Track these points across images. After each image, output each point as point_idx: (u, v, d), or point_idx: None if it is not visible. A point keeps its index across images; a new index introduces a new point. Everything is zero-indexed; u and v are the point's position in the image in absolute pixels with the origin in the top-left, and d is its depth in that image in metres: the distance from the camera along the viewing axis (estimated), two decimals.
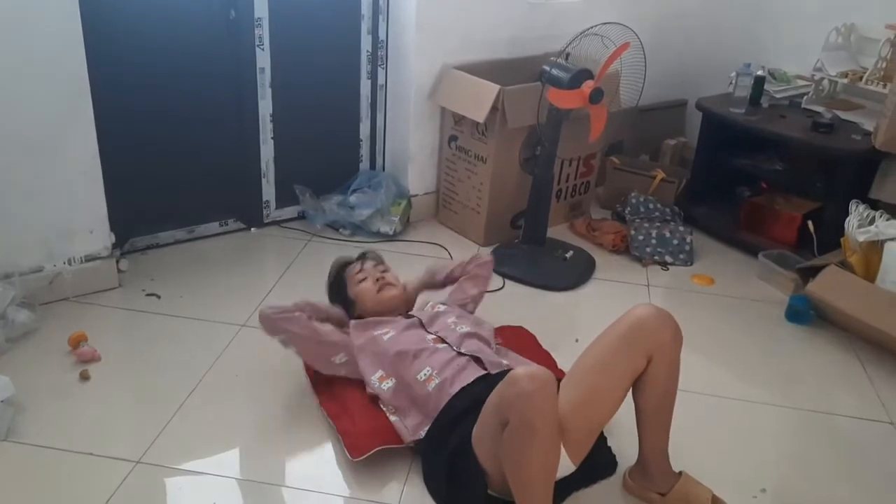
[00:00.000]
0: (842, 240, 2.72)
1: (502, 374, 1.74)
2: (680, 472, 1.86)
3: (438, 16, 3.01)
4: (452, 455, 1.78)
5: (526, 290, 2.83)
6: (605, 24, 2.58)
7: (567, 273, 2.93)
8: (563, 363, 2.19)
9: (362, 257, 2.37)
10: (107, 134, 2.50)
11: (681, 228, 3.17)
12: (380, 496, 1.86)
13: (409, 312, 2.25)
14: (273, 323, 2.06)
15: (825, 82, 3.30)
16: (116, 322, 2.51)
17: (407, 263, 2.85)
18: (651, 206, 3.29)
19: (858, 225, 2.65)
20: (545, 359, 2.30)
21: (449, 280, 2.40)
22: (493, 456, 1.68)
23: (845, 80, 3.20)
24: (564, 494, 1.84)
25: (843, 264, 2.66)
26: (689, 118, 3.93)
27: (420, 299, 2.37)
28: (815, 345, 2.61)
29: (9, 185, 2.35)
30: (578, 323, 2.70)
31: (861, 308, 2.53)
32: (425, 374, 1.95)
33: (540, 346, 2.40)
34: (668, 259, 3.09)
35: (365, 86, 3.24)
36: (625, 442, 1.93)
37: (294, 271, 2.87)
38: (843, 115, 3.11)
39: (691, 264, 3.10)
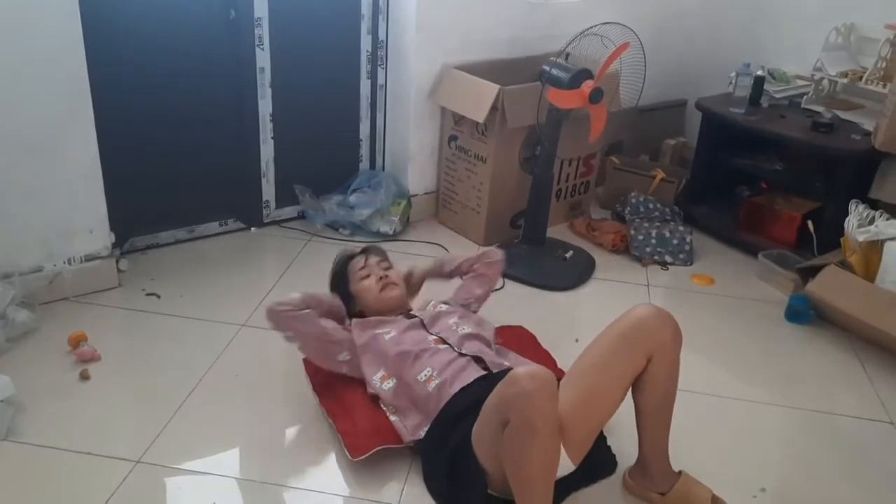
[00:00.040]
0: (841, 240, 2.72)
1: (502, 374, 1.74)
2: (680, 472, 1.86)
3: (438, 16, 3.02)
4: (452, 454, 1.78)
5: (526, 289, 2.83)
6: (604, 24, 2.58)
7: (567, 273, 2.94)
8: (563, 363, 2.19)
9: (366, 252, 2.35)
10: (107, 134, 2.50)
11: (681, 228, 3.17)
12: (380, 496, 1.86)
13: (411, 312, 2.24)
14: (282, 320, 2.05)
15: (825, 82, 3.30)
16: (116, 322, 2.51)
17: (407, 263, 2.84)
18: (651, 205, 3.29)
19: (858, 225, 2.65)
20: (545, 358, 2.30)
21: (455, 273, 2.38)
22: (493, 455, 1.68)
23: (845, 80, 3.20)
24: (564, 494, 1.84)
25: (843, 264, 2.67)
26: (689, 118, 3.94)
27: (422, 298, 2.36)
28: (815, 345, 2.62)
29: (9, 185, 2.35)
30: (578, 323, 2.70)
31: (861, 308, 2.53)
32: (426, 375, 1.95)
33: (540, 345, 2.40)
34: (668, 259, 3.09)
35: (365, 86, 3.24)
36: (625, 441, 1.93)
37: (294, 271, 2.87)
38: (843, 115, 3.11)
39: (691, 264, 3.10)
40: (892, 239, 2.53)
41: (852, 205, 2.73)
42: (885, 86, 3.01)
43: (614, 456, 1.97)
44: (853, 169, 2.93)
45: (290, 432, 2.07)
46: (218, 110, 2.92)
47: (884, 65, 3.08)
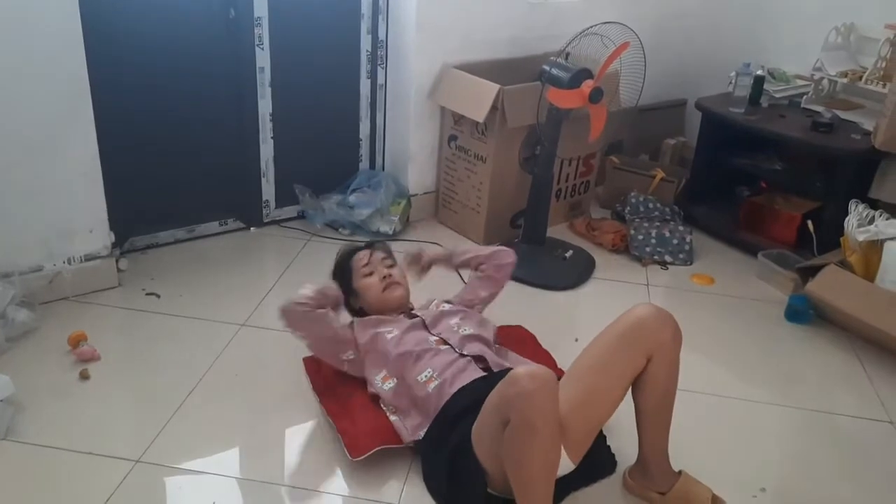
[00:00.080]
0: (841, 239, 2.72)
1: (502, 374, 1.74)
2: (680, 472, 1.86)
3: (438, 15, 3.02)
4: (452, 454, 1.78)
5: (525, 289, 2.83)
6: (604, 23, 2.58)
7: (567, 272, 2.94)
8: (563, 363, 2.19)
9: (371, 248, 2.33)
10: (107, 133, 2.50)
11: (680, 228, 3.17)
12: (379, 495, 1.86)
13: (413, 311, 2.24)
14: (297, 321, 2.04)
15: (825, 82, 3.30)
16: (116, 321, 2.51)
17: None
18: (651, 205, 3.29)
19: (858, 224, 2.65)
20: (545, 358, 2.30)
21: (463, 267, 2.37)
22: (493, 455, 1.68)
23: (845, 80, 3.20)
24: (564, 493, 1.84)
25: (843, 264, 2.67)
26: (689, 118, 3.94)
27: (426, 297, 2.33)
28: (815, 344, 2.62)
29: (9, 185, 2.35)
30: (578, 322, 2.70)
31: (860, 307, 2.53)
32: (426, 376, 1.95)
33: (539, 345, 2.40)
34: (668, 258, 3.09)
35: (365, 85, 3.24)
36: (624, 441, 1.93)
37: (294, 271, 2.87)
38: (843, 115, 3.11)
39: (691, 264, 3.10)
40: (891, 238, 2.53)
41: (852, 204, 2.73)
42: (884, 85, 3.01)
43: (614, 455, 1.97)
44: (853, 168, 2.93)
45: (290, 432, 2.07)
46: (218, 110, 2.92)
47: (883, 64, 3.08)
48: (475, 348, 2.03)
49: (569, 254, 3.03)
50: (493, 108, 2.86)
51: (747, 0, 3.68)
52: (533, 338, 2.44)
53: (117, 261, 2.69)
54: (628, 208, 3.29)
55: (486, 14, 3.12)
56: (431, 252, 2.37)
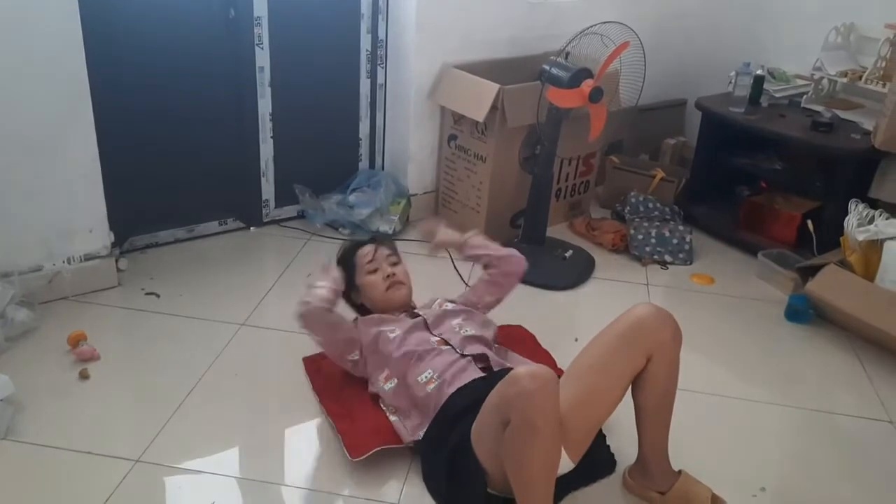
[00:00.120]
0: (841, 239, 2.72)
1: (501, 374, 1.74)
2: (679, 471, 1.86)
3: (438, 15, 3.02)
4: (452, 454, 1.78)
5: (525, 289, 2.82)
6: (604, 23, 2.58)
7: (566, 272, 2.94)
8: (563, 362, 2.18)
9: (375, 243, 2.28)
10: (106, 133, 2.50)
11: (680, 228, 3.17)
12: (379, 495, 1.86)
13: (415, 310, 2.22)
14: (317, 324, 2.03)
15: (825, 82, 3.30)
16: (116, 321, 2.51)
17: (406, 263, 2.84)
18: (651, 205, 3.29)
19: (858, 224, 2.65)
20: (544, 358, 2.30)
21: (473, 260, 2.32)
22: (493, 454, 1.68)
23: (845, 80, 3.20)
24: (563, 493, 1.84)
25: (843, 263, 2.66)
26: (689, 117, 3.93)
27: (437, 293, 2.31)
28: (815, 344, 2.62)
29: (9, 185, 2.35)
30: (578, 322, 2.70)
31: (860, 307, 2.53)
32: (426, 377, 1.94)
33: (539, 345, 2.40)
34: (668, 258, 3.09)
35: (364, 85, 3.24)
36: (624, 441, 1.93)
37: (293, 270, 2.87)
38: (843, 115, 3.11)
39: (691, 263, 3.10)
40: (891, 238, 2.53)
41: (852, 204, 2.73)
42: (884, 85, 3.01)
43: (613, 455, 1.97)
44: (853, 168, 2.93)
45: (290, 432, 2.07)
46: (217, 110, 2.92)
47: (883, 64, 3.08)
48: (476, 349, 2.02)
49: (568, 253, 3.03)
50: (493, 107, 2.86)
51: (747, 0, 3.67)
52: (532, 337, 2.44)
53: (117, 260, 2.69)
54: (628, 208, 3.29)
55: (486, 14, 3.12)
56: (446, 235, 2.30)
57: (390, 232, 3.13)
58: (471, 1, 3.07)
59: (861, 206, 2.71)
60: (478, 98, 2.91)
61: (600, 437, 1.90)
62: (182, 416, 2.07)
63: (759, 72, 3.24)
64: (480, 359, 2.00)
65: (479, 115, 2.90)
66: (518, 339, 2.38)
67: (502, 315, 2.46)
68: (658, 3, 3.62)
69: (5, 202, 2.37)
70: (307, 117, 3.13)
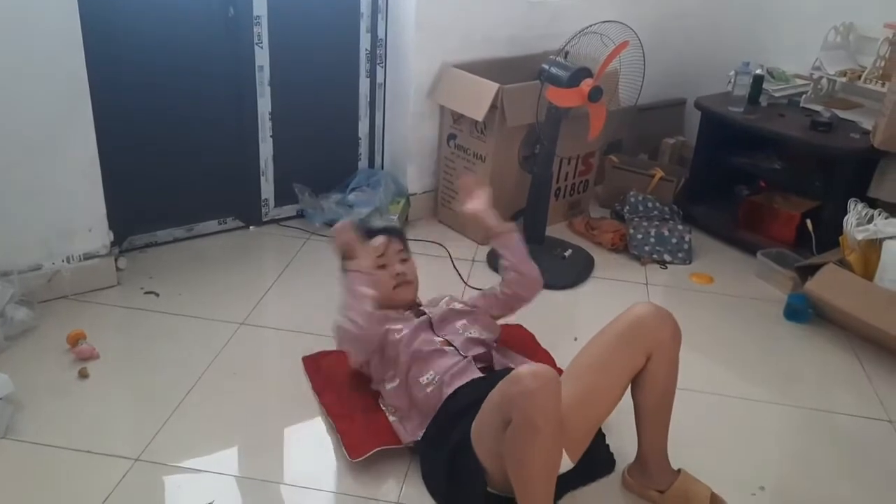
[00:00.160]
0: (840, 238, 2.72)
1: (502, 373, 1.74)
2: (679, 470, 1.86)
3: (438, 14, 3.01)
4: (452, 453, 1.78)
5: None
6: (604, 22, 2.58)
7: (566, 272, 2.94)
8: (562, 362, 2.18)
9: (387, 234, 2.20)
10: (106, 133, 2.50)
11: (679, 227, 3.17)
12: (379, 494, 1.86)
13: (421, 308, 2.19)
14: (374, 327, 1.99)
15: (824, 81, 3.30)
16: (115, 320, 2.51)
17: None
18: (650, 204, 3.29)
19: (857, 223, 2.65)
20: (544, 357, 2.30)
21: (492, 245, 2.19)
22: (493, 453, 1.68)
23: (844, 79, 3.21)
24: (562, 492, 1.84)
25: (842, 263, 2.67)
26: (688, 117, 3.93)
27: (436, 292, 2.29)
28: (814, 343, 2.62)
29: (8, 185, 2.35)
30: (577, 321, 2.70)
31: (859, 306, 2.53)
32: (428, 379, 1.94)
33: (538, 344, 2.40)
34: (667, 258, 3.09)
35: (364, 84, 3.24)
36: (624, 440, 1.93)
37: (293, 270, 2.87)
38: (842, 114, 3.11)
39: (690, 263, 3.10)
40: (890, 237, 2.53)
41: (851, 203, 2.73)
42: (883, 85, 3.01)
43: (612, 455, 1.97)
44: (852, 168, 2.93)
45: (289, 430, 2.07)
46: (217, 109, 2.92)
47: (882, 64, 3.08)
48: (479, 350, 2.02)
49: (568, 253, 3.03)
50: (493, 106, 2.86)
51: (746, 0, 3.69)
52: (532, 337, 2.43)
53: (116, 259, 2.69)
54: (627, 207, 3.29)
55: (486, 13, 3.12)
56: (481, 210, 2.14)
57: None
58: (470, 0, 3.06)
59: (860, 206, 2.71)
60: (477, 97, 2.91)
61: (600, 437, 1.90)
62: (181, 415, 2.07)
63: (758, 71, 3.24)
64: (482, 358, 1.99)
65: (479, 114, 2.90)
66: (517, 339, 2.38)
67: None
68: (657, 3, 3.62)
69: (5, 201, 2.36)
70: (307, 116, 3.13)
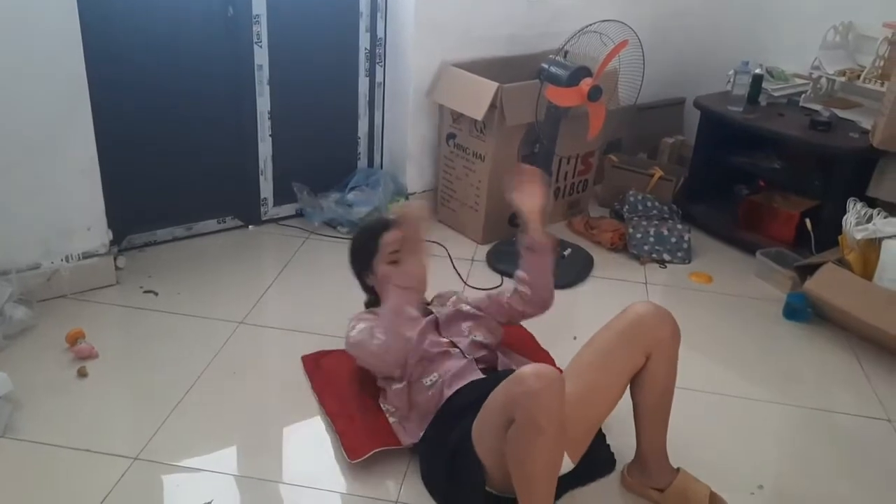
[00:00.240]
0: (839, 238, 2.72)
1: (503, 373, 1.74)
2: (678, 469, 1.86)
3: (437, 13, 3.01)
4: (452, 453, 1.78)
5: None
6: (603, 21, 2.58)
7: (565, 271, 2.93)
8: (561, 361, 2.18)
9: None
10: (105, 132, 2.50)
11: (679, 226, 3.17)
12: (378, 493, 1.86)
13: (428, 306, 2.18)
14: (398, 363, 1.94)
15: (823, 80, 3.31)
16: (114, 319, 2.51)
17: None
18: (649, 204, 3.29)
19: (856, 223, 2.65)
20: (543, 357, 2.30)
21: (522, 250, 2.09)
22: (493, 453, 1.67)
23: (843, 79, 3.21)
24: (562, 492, 1.84)
25: (841, 262, 2.67)
26: (688, 116, 3.93)
27: (447, 289, 2.29)
28: (813, 342, 2.62)
29: (8, 184, 2.35)
30: (576, 321, 2.69)
31: (858, 306, 2.53)
32: (430, 381, 1.94)
33: (538, 344, 2.40)
34: (666, 257, 3.09)
35: (363, 83, 3.24)
36: (623, 439, 1.93)
37: (292, 269, 2.86)
38: (841, 114, 3.11)
39: (689, 262, 3.10)
40: (889, 237, 2.53)
41: (850, 203, 2.73)
42: (882, 84, 3.01)
43: (613, 454, 1.97)
44: (851, 167, 2.93)
45: (288, 430, 2.07)
46: (216, 108, 2.92)
47: (882, 63, 3.08)
48: (483, 353, 2.03)
49: (567, 252, 3.02)
50: (492, 106, 2.86)
51: None
52: (531, 336, 2.43)
53: (115, 258, 2.69)
54: (627, 207, 3.29)
55: (485, 12, 3.12)
56: (532, 212, 2.04)
57: None
58: None
59: (859, 205, 2.71)
60: (476, 96, 2.91)
61: (600, 437, 1.90)
62: (180, 414, 2.07)
63: (757, 71, 3.24)
64: (485, 360, 1.99)
65: (478, 113, 2.89)
66: (517, 338, 2.38)
67: None
68: (657, 2, 3.62)
69: (4, 201, 2.36)
70: (306, 116, 3.13)
